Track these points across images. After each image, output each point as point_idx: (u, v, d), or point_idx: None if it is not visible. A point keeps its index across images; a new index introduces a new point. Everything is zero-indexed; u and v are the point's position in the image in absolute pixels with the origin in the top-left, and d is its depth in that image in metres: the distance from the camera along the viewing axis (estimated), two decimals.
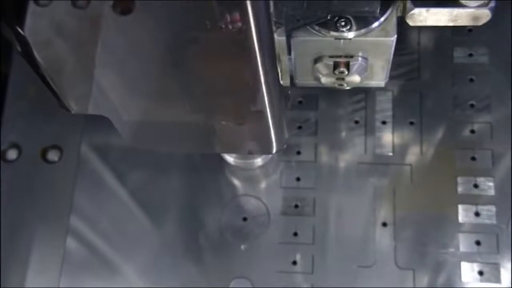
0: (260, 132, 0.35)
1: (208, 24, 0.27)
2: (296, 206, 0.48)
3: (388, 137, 0.50)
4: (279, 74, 0.33)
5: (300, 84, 0.38)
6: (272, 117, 0.33)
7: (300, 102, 0.52)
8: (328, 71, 0.36)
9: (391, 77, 0.51)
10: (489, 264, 0.46)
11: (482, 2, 0.32)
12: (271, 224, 0.48)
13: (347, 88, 0.38)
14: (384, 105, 0.51)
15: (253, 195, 0.49)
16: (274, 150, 0.37)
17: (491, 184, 0.48)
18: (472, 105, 0.50)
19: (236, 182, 0.50)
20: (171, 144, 0.38)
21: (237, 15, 0.26)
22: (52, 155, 0.52)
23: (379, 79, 0.38)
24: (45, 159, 0.51)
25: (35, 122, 0.52)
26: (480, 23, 0.33)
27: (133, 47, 0.31)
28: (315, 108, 0.51)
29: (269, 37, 0.29)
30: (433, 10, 0.32)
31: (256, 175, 0.50)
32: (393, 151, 0.50)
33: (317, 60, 0.35)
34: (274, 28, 0.30)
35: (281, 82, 0.34)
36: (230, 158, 0.46)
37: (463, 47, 0.52)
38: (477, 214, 0.47)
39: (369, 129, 0.50)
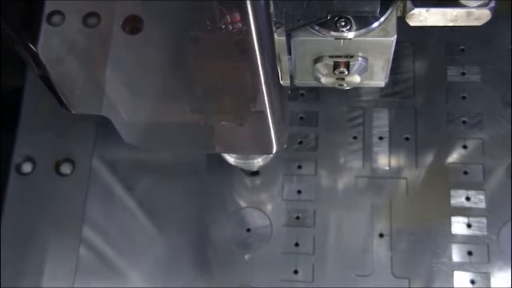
0: (260, 132, 0.35)
1: (208, 24, 0.27)
2: (297, 217, 0.51)
3: (384, 152, 0.53)
4: (279, 74, 0.34)
5: (300, 84, 0.38)
6: (272, 117, 0.33)
7: (301, 118, 0.54)
8: (328, 71, 0.36)
9: (387, 95, 0.54)
10: (481, 273, 0.48)
11: (482, 2, 0.31)
12: (273, 235, 0.51)
13: (347, 88, 0.39)
14: (381, 122, 0.54)
15: (257, 207, 0.52)
16: (274, 150, 0.37)
17: (482, 197, 0.50)
18: (464, 122, 0.53)
19: (241, 194, 0.52)
20: (171, 144, 0.38)
21: (237, 15, 0.27)
22: (65, 168, 0.54)
23: (379, 79, 0.38)
24: (58, 172, 0.54)
25: (48, 136, 0.55)
26: (480, 23, 0.32)
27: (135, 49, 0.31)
28: (315, 124, 0.54)
29: (269, 37, 0.29)
30: (433, 10, 0.31)
31: (259, 188, 0.52)
32: (389, 166, 0.52)
33: (317, 60, 0.35)
34: (274, 28, 0.30)
35: (281, 82, 0.35)
36: (230, 158, 0.46)
37: (456, 66, 0.55)
38: (469, 225, 0.50)
39: (367, 145, 0.53)
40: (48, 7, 0.30)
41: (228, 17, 0.26)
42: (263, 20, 0.27)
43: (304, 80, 0.38)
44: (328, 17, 0.32)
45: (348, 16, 0.32)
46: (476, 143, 0.52)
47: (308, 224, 0.51)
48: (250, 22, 0.26)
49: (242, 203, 0.52)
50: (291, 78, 0.37)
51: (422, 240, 0.50)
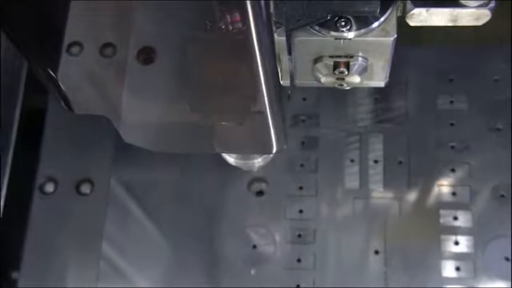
0: (260, 132, 0.35)
1: (208, 24, 0.27)
2: (299, 235, 0.55)
3: (379, 175, 0.57)
4: (279, 74, 0.34)
5: (300, 84, 0.38)
6: (272, 117, 0.33)
7: (302, 142, 0.59)
8: (328, 71, 0.36)
9: (382, 121, 0.59)
10: (468, 287, 0.53)
11: (482, 2, 0.31)
12: (277, 251, 0.55)
13: (347, 88, 0.38)
14: (376, 146, 0.58)
15: (262, 225, 0.56)
16: (274, 150, 0.37)
17: (469, 216, 0.55)
18: (452, 147, 0.58)
19: (247, 213, 0.57)
20: (171, 144, 0.38)
21: (237, 15, 0.27)
22: (85, 188, 0.58)
23: (379, 79, 0.37)
24: (79, 192, 0.58)
25: (69, 158, 0.59)
26: (480, 23, 0.32)
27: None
28: (315, 148, 0.59)
29: (269, 37, 0.29)
30: (433, 10, 0.32)
31: (264, 207, 0.57)
32: (384, 187, 0.57)
33: (317, 60, 0.35)
34: (274, 28, 0.30)
35: (281, 82, 0.35)
36: (230, 158, 0.46)
37: (446, 95, 0.59)
38: (456, 243, 0.54)
39: (363, 167, 0.57)
40: (67, 38, 0.32)
41: (228, 17, 0.27)
42: (263, 20, 0.27)
43: (304, 80, 0.38)
44: (328, 17, 0.32)
45: (348, 16, 0.33)
46: (464, 167, 0.57)
47: (309, 241, 0.55)
48: (250, 22, 0.27)
49: (248, 222, 0.56)
50: (291, 78, 0.37)
51: (414, 257, 0.54)
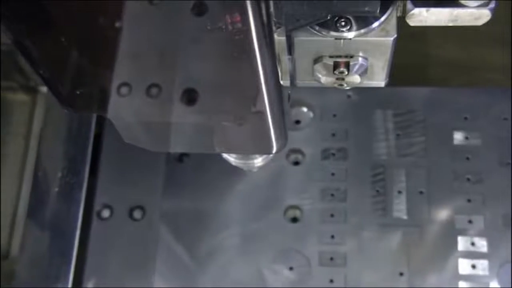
0: (260, 132, 0.34)
1: (208, 24, 0.27)
2: (331, 258, 0.62)
3: (402, 204, 0.63)
4: (279, 74, 0.33)
5: (301, 84, 0.38)
6: (272, 117, 0.33)
7: (332, 174, 0.66)
8: (328, 71, 0.36)
9: (404, 155, 0.65)
10: None
11: (482, 2, 0.31)
12: (312, 272, 0.61)
13: (347, 88, 0.38)
14: (399, 178, 0.65)
15: (297, 249, 0.62)
16: (274, 150, 0.37)
17: (484, 242, 0.61)
18: (468, 179, 0.64)
19: (283, 237, 0.63)
20: (171, 144, 0.38)
21: (237, 15, 0.26)
22: (137, 214, 0.65)
23: (379, 79, 0.37)
24: (132, 217, 0.65)
25: (123, 186, 0.66)
26: (480, 23, 0.32)
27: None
28: (344, 180, 0.65)
29: (269, 37, 0.29)
30: (433, 10, 0.31)
31: (299, 233, 0.63)
32: (407, 215, 0.63)
33: (317, 60, 0.35)
34: (274, 28, 0.30)
35: (281, 82, 0.35)
36: (230, 158, 0.46)
37: (461, 132, 0.66)
38: (473, 266, 0.60)
39: (388, 197, 0.64)
40: (116, 80, 0.32)
41: (228, 17, 0.27)
42: (263, 20, 0.27)
43: (304, 80, 0.37)
44: (328, 17, 0.32)
45: (348, 16, 0.32)
46: (478, 197, 0.63)
47: (340, 264, 0.61)
48: (250, 22, 0.27)
49: (285, 245, 0.63)
50: (291, 78, 0.37)
51: (435, 279, 0.60)
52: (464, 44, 0.82)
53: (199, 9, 0.27)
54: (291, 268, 0.62)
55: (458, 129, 0.66)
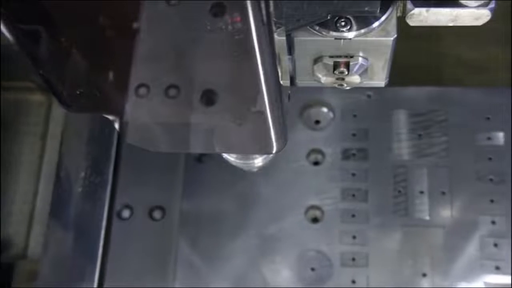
0: (260, 132, 0.34)
1: (208, 24, 0.27)
2: (353, 259, 0.61)
3: (424, 204, 0.63)
4: (279, 74, 0.34)
5: (301, 84, 0.38)
6: (272, 117, 0.33)
7: (353, 174, 0.65)
8: (328, 71, 0.36)
9: (426, 155, 0.65)
10: None
11: (482, 2, 0.31)
12: (333, 273, 0.61)
13: (347, 88, 0.38)
14: (421, 178, 0.64)
15: (318, 250, 0.62)
16: (274, 150, 0.36)
17: (508, 244, 0.61)
18: (491, 179, 0.63)
19: (305, 238, 0.63)
20: (171, 144, 0.38)
21: (237, 16, 0.27)
22: (157, 214, 0.65)
23: (379, 79, 0.37)
24: (151, 217, 0.65)
25: (143, 187, 0.66)
26: (480, 23, 0.32)
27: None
28: (365, 180, 0.65)
29: (269, 37, 0.29)
30: (433, 10, 0.31)
31: (320, 234, 0.63)
32: (429, 216, 0.63)
33: (317, 60, 0.35)
34: (274, 28, 0.30)
35: (281, 82, 0.35)
36: (230, 158, 0.46)
37: (483, 132, 0.65)
38: (497, 268, 0.60)
39: (410, 197, 0.63)
40: (134, 80, 0.32)
41: (228, 17, 0.27)
42: (263, 20, 0.27)
43: (304, 80, 0.37)
44: (328, 17, 0.32)
45: (348, 16, 0.33)
46: (501, 198, 0.62)
47: (362, 265, 0.61)
48: (250, 22, 0.27)
49: (307, 246, 0.62)
50: (291, 78, 0.37)
51: (457, 279, 0.60)
52: (478, 44, 0.81)
53: (217, 10, 0.27)
54: (312, 269, 0.61)
55: (480, 129, 0.66)
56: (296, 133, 0.67)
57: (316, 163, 0.66)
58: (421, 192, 0.64)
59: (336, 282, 0.60)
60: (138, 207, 0.65)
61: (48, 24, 0.29)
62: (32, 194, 0.86)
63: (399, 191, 0.64)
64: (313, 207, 0.64)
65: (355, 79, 0.36)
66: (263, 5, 0.27)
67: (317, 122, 0.68)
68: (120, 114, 0.35)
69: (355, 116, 0.67)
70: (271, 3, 0.28)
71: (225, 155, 0.45)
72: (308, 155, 0.66)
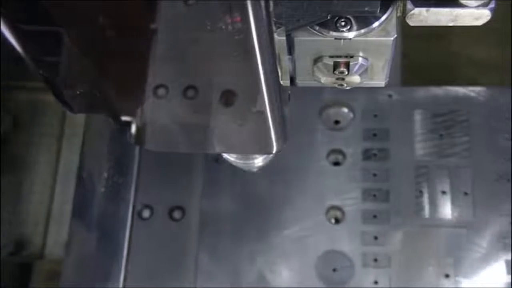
0: (260, 132, 0.34)
1: (209, 24, 0.27)
2: (375, 260, 0.61)
3: (447, 205, 0.63)
4: (279, 74, 0.34)
5: (301, 84, 0.38)
6: (272, 117, 0.33)
7: (374, 174, 0.65)
8: (328, 71, 0.36)
9: (448, 156, 0.64)
10: None
11: (482, 2, 0.31)
12: (355, 274, 0.61)
13: (347, 88, 0.38)
14: (443, 179, 0.64)
15: (340, 250, 0.62)
16: (274, 150, 0.36)
17: None
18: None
19: (325, 238, 0.62)
20: (171, 144, 0.38)
21: (237, 16, 0.27)
22: (177, 214, 0.65)
23: (379, 79, 0.37)
24: (171, 217, 0.65)
25: (163, 187, 0.66)
26: (480, 23, 0.32)
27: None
28: (386, 180, 0.64)
29: (269, 37, 0.29)
30: (433, 10, 0.31)
31: (342, 234, 0.62)
32: (451, 216, 0.62)
33: (317, 60, 0.35)
34: (274, 28, 0.30)
35: (281, 82, 0.35)
36: (230, 158, 0.45)
37: (504, 133, 0.65)
38: None
39: (431, 198, 0.63)
40: (153, 82, 0.32)
41: (228, 17, 0.27)
42: (263, 20, 0.27)
43: (304, 80, 0.37)
44: (328, 17, 0.32)
45: (348, 16, 0.32)
46: None
47: (385, 265, 0.61)
48: (250, 22, 0.27)
49: (328, 247, 0.62)
50: (291, 78, 0.37)
51: (480, 280, 0.59)
52: (492, 43, 0.81)
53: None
54: (334, 270, 0.61)
55: (502, 129, 0.65)
56: (315, 134, 0.67)
57: (336, 163, 0.66)
58: (443, 193, 0.63)
59: (358, 282, 0.60)
60: (158, 207, 0.65)
61: (48, 24, 0.29)
62: (48, 194, 0.87)
63: (421, 191, 0.63)
64: (334, 207, 0.64)
65: (355, 79, 0.36)
66: (263, 5, 0.27)
67: (337, 122, 0.68)
68: (120, 114, 0.35)
69: (375, 116, 0.67)
70: (271, 3, 0.28)
71: (225, 155, 0.45)
72: (328, 155, 0.66)
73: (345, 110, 0.68)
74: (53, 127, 0.87)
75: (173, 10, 0.28)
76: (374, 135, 0.66)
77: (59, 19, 0.29)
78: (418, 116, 0.66)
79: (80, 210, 0.62)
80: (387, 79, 0.37)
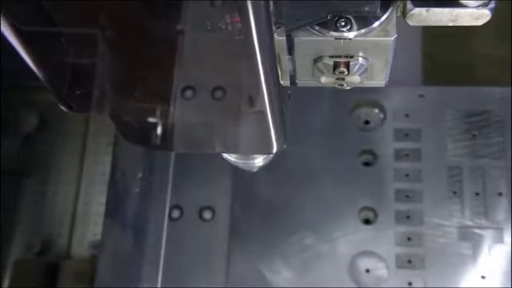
0: (260, 132, 0.34)
1: (208, 24, 0.27)
2: (409, 261, 0.60)
3: (481, 206, 0.62)
4: (279, 74, 0.34)
5: (301, 84, 0.38)
6: (272, 117, 0.33)
7: (406, 175, 0.64)
8: (328, 71, 0.36)
9: (481, 156, 0.64)
10: None
11: (482, 2, 0.31)
12: (389, 275, 0.60)
13: (347, 88, 0.38)
14: (476, 179, 0.63)
15: (373, 251, 0.61)
16: (275, 150, 0.36)
17: None
18: None
19: (358, 239, 0.62)
20: (171, 144, 0.38)
21: (237, 16, 0.27)
22: (207, 214, 0.64)
23: (379, 80, 0.38)
24: (201, 218, 0.64)
25: (193, 188, 0.66)
26: (480, 23, 0.32)
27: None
28: (419, 181, 0.64)
29: (269, 37, 0.29)
30: (433, 10, 0.31)
31: (375, 235, 0.62)
32: (486, 217, 0.61)
33: (317, 60, 0.35)
34: (274, 28, 0.30)
35: (281, 82, 0.35)
36: (230, 158, 0.45)
37: None
38: None
39: (465, 199, 0.62)
40: (180, 83, 0.32)
41: (228, 17, 0.27)
42: (263, 20, 0.27)
43: (304, 80, 0.38)
44: (328, 17, 0.32)
45: (348, 16, 0.33)
46: None
47: (419, 267, 0.60)
48: (250, 22, 0.27)
49: (361, 248, 0.61)
50: (291, 78, 0.37)
51: None
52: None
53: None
54: (367, 271, 0.60)
55: None
56: (346, 134, 0.66)
57: (367, 164, 0.65)
58: (477, 194, 0.62)
59: (392, 284, 0.59)
60: (187, 207, 0.65)
61: (49, 25, 0.29)
62: (73, 194, 0.87)
63: (455, 192, 0.63)
64: (366, 208, 0.63)
65: (355, 79, 0.36)
66: (263, 5, 0.27)
67: (367, 122, 0.67)
68: (120, 114, 0.35)
69: (407, 116, 0.66)
70: (271, 3, 0.28)
71: (225, 155, 0.45)
72: (359, 155, 0.65)
73: (376, 110, 0.67)
74: (77, 125, 0.87)
75: (199, 12, 0.28)
76: (406, 135, 0.66)
77: (58, 18, 0.29)
78: (450, 116, 0.65)
79: (113, 210, 0.62)
80: (387, 79, 0.38)
